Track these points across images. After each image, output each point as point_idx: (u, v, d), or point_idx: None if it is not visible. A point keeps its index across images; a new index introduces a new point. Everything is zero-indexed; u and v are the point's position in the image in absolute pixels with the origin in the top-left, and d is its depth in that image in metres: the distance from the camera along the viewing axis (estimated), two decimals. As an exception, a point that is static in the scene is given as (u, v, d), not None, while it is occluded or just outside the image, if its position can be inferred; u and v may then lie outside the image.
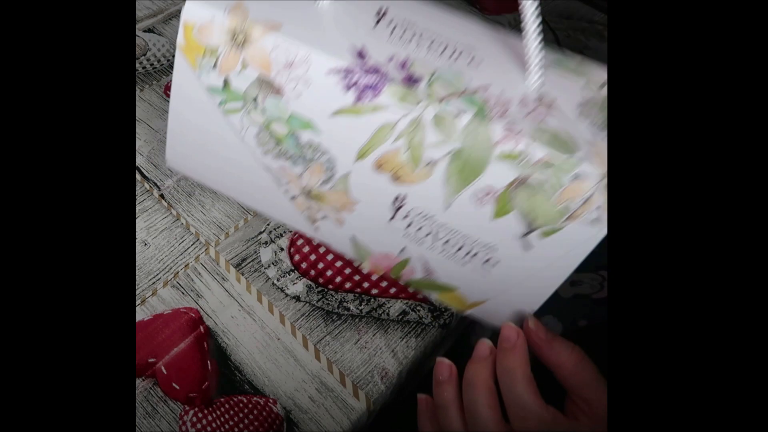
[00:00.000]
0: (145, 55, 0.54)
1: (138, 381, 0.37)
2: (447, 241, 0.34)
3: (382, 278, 0.43)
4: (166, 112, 0.50)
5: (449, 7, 0.35)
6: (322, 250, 0.44)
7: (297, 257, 0.43)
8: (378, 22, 0.33)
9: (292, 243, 0.44)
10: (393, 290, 0.43)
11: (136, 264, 0.42)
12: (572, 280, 0.57)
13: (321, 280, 0.43)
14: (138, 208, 0.45)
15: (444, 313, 0.42)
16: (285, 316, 0.41)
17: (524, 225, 0.31)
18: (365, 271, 0.39)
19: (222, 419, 0.36)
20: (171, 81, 0.53)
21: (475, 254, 0.34)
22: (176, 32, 0.56)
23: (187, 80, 0.34)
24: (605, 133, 0.29)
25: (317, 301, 0.42)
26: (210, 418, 0.36)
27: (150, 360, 0.38)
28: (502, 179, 0.30)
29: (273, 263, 0.43)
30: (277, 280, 0.42)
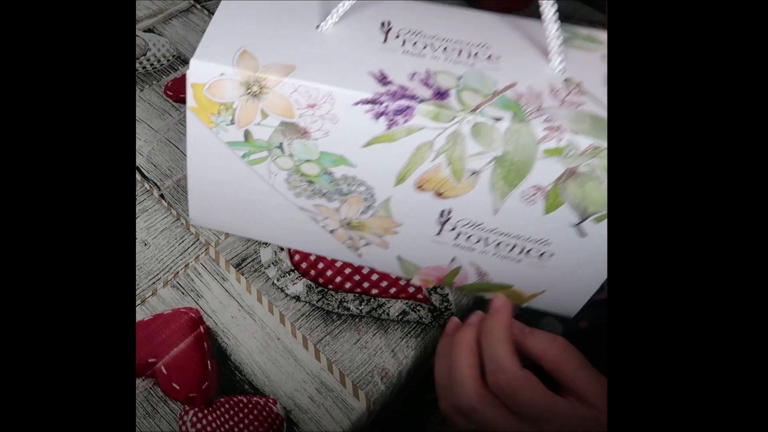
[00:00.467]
0: (145, 55, 0.54)
1: (138, 381, 0.37)
2: (498, 244, 0.34)
3: (382, 278, 0.43)
4: (166, 112, 0.50)
5: (446, 5, 0.34)
6: (322, 250, 0.44)
7: (297, 257, 0.43)
8: (386, 37, 0.32)
9: (292, 243, 0.44)
10: (393, 290, 0.43)
11: (136, 264, 0.42)
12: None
13: (321, 280, 0.43)
14: (138, 208, 0.45)
15: (444, 314, 0.42)
16: (285, 316, 0.41)
17: (577, 215, 0.31)
18: (415, 282, 0.39)
19: (222, 419, 0.36)
20: (171, 81, 0.53)
21: (528, 251, 0.34)
22: (176, 32, 0.56)
23: (204, 139, 0.33)
24: None
25: (317, 301, 0.42)
26: (210, 418, 0.36)
27: (150, 360, 0.38)
28: (550, 175, 0.30)
29: (273, 263, 0.43)
30: (277, 280, 0.42)
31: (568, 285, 0.35)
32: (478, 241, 0.34)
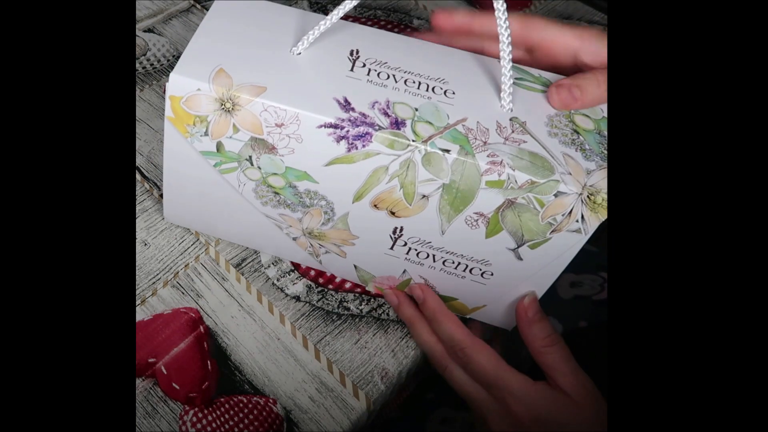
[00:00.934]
0: (145, 55, 0.54)
1: (138, 381, 0.37)
2: (445, 261, 0.37)
3: (382, 278, 0.43)
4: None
5: (414, 39, 0.37)
6: (322, 250, 0.44)
7: (297, 257, 0.44)
8: (353, 65, 0.34)
9: (292, 243, 0.44)
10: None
11: (136, 264, 0.42)
12: (573, 282, 0.57)
13: (321, 280, 0.43)
14: (138, 208, 0.45)
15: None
16: (285, 316, 0.41)
17: (514, 241, 0.34)
18: (370, 289, 0.42)
19: (222, 419, 0.36)
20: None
21: (471, 269, 0.37)
22: (176, 32, 0.56)
23: (179, 146, 0.35)
24: (574, 149, 0.32)
25: (317, 301, 0.42)
26: (210, 418, 0.36)
27: (150, 360, 0.38)
28: (491, 204, 0.32)
29: (273, 263, 0.43)
30: (277, 280, 0.42)
31: (506, 302, 0.38)
32: (426, 257, 0.37)
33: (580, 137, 0.32)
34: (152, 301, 0.40)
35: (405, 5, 0.61)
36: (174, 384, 0.37)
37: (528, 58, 0.37)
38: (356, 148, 0.32)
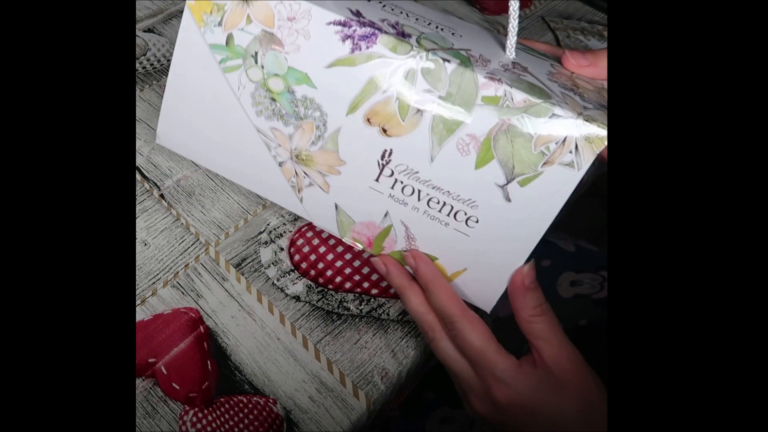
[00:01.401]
0: (145, 55, 0.54)
1: (138, 381, 0.37)
2: (429, 201, 0.36)
3: (382, 278, 0.43)
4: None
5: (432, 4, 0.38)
6: (322, 250, 0.44)
7: (297, 257, 0.43)
8: (369, 2, 0.36)
9: (292, 243, 0.44)
10: (393, 290, 0.43)
11: (136, 264, 0.42)
12: (573, 281, 0.57)
13: (321, 280, 0.43)
14: (138, 208, 0.45)
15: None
16: (285, 316, 0.41)
17: (504, 174, 0.33)
18: (347, 242, 0.40)
19: (222, 419, 0.36)
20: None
21: (456, 213, 0.36)
22: (176, 32, 0.56)
23: (191, 38, 0.37)
24: (572, 93, 0.33)
25: (317, 301, 0.42)
26: (210, 418, 0.36)
27: (150, 360, 0.38)
28: (485, 125, 0.33)
29: (273, 263, 0.43)
30: (277, 280, 0.42)
31: (488, 264, 0.37)
32: (411, 194, 0.36)
33: (580, 89, 0.33)
34: (152, 301, 0.40)
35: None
36: (174, 384, 0.37)
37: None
38: (360, 50, 0.33)
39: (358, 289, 0.43)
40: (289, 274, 0.43)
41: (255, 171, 0.40)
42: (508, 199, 0.34)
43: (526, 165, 0.33)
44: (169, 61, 0.54)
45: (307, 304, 0.41)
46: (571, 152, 0.31)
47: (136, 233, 0.43)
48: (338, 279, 0.43)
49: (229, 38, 0.35)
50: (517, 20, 0.34)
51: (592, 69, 0.34)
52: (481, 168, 0.34)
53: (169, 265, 0.42)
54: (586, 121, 0.31)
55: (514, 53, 0.35)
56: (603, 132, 0.30)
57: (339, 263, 0.43)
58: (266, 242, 0.44)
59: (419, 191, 0.36)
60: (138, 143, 0.48)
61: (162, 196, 0.46)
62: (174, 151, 0.42)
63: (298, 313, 0.41)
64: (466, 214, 0.36)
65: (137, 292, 0.41)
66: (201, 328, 0.39)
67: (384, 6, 0.36)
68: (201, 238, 0.44)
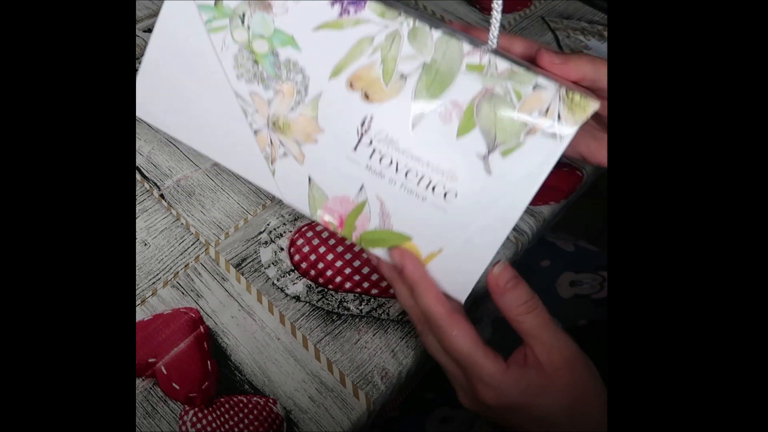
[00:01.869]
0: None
1: (138, 381, 0.37)
2: (407, 173, 0.35)
3: (382, 278, 0.43)
4: (166, 112, 0.50)
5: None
6: (322, 250, 0.44)
7: (297, 257, 0.43)
8: None
9: (292, 243, 0.44)
10: (393, 290, 0.43)
11: (136, 264, 0.42)
12: (572, 281, 0.57)
13: (321, 280, 0.43)
14: (138, 208, 0.45)
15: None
16: (285, 316, 0.41)
17: (486, 144, 0.33)
18: (316, 219, 0.39)
19: (222, 419, 0.36)
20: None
21: (434, 187, 0.35)
22: (176, 32, 0.56)
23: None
24: (554, 78, 0.33)
25: (317, 301, 0.42)
26: (210, 418, 0.36)
27: (150, 360, 0.38)
28: (468, 92, 0.33)
29: (273, 263, 0.43)
30: (277, 280, 0.42)
31: (464, 243, 0.36)
32: (390, 164, 0.36)
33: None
34: (152, 301, 0.40)
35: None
36: (174, 384, 0.37)
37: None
38: (348, 14, 0.33)
39: (358, 289, 0.43)
40: (289, 274, 0.43)
41: (228, 141, 0.39)
42: (489, 172, 0.34)
43: (508, 134, 0.33)
44: (169, 61, 0.54)
45: (307, 304, 0.42)
46: (553, 122, 0.31)
47: (136, 233, 0.43)
48: (338, 279, 0.43)
49: None
50: (500, 14, 0.34)
51: (563, 67, 0.34)
52: (463, 136, 0.33)
53: (169, 265, 0.42)
54: (569, 92, 0.31)
55: (495, 43, 0.34)
56: (585, 102, 0.31)
57: (339, 263, 0.43)
58: (266, 242, 0.44)
59: (397, 162, 0.35)
60: (138, 143, 0.48)
61: (162, 196, 0.46)
62: (147, 120, 0.41)
63: (298, 313, 0.41)
64: (444, 187, 0.35)
65: (137, 292, 0.41)
66: (201, 328, 0.39)
67: None
68: (201, 238, 0.44)
